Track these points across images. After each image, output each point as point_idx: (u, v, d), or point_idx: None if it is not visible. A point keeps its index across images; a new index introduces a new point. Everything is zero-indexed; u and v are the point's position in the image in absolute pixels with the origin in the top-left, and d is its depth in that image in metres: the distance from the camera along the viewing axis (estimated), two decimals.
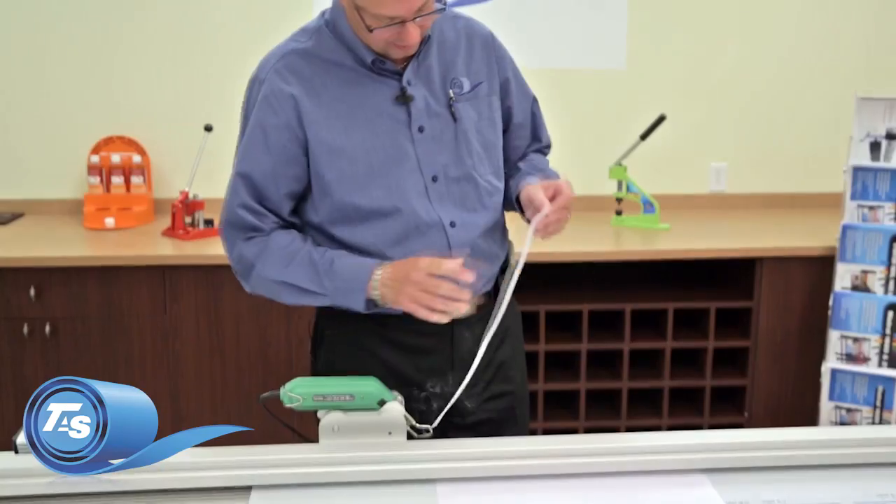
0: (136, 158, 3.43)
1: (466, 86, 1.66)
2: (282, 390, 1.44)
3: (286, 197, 1.62)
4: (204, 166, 3.23)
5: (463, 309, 1.52)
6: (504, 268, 1.76)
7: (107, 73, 3.46)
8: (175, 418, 2.97)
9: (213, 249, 3.02)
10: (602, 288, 3.18)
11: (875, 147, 2.92)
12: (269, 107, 1.58)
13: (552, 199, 1.59)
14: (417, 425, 1.48)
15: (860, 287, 2.92)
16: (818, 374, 2.99)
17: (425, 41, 1.61)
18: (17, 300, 2.91)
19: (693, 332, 3.15)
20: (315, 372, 1.76)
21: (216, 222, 3.19)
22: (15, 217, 3.42)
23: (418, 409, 1.64)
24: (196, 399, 3.00)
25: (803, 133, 3.67)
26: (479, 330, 1.70)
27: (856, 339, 2.92)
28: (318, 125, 1.58)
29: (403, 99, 1.61)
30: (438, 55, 1.65)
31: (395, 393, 1.48)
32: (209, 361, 3.00)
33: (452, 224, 1.63)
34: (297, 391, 1.44)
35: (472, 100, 1.67)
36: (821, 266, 3.04)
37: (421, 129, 1.61)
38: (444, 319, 1.51)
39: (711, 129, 3.66)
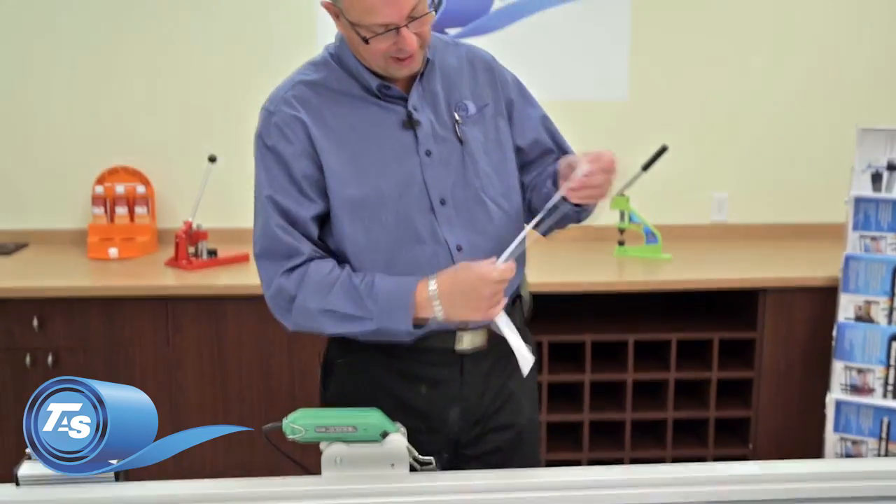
0: (140, 189, 3.45)
1: (472, 109, 1.68)
2: (284, 422, 1.44)
3: (313, 220, 1.62)
4: (208, 197, 3.24)
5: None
6: (514, 299, 1.74)
7: (111, 105, 3.49)
8: None
9: (217, 280, 3.03)
10: (605, 319, 3.17)
11: (876, 178, 2.93)
12: (282, 136, 1.60)
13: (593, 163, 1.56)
14: (420, 457, 1.47)
15: (864, 318, 2.91)
16: (823, 405, 2.98)
17: (428, 63, 1.63)
18: (20, 330, 2.91)
19: (696, 363, 3.14)
20: (324, 402, 1.75)
21: (219, 252, 3.21)
22: (19, 247, 3.43)
23: (426, 441, 1.63)
24: None
25: (804, 163, 3.69)
26: (489, 361, 1.70)
27: (860, 370, 2.91)
28: (326, 153, 1.60)
29: (410, 124, 1.62)
30: (442, 81, 1.67)
31: (398, 424, 1.47)
32: (211, 392, 2.99)
33: (459, 248, 1.63)
34: (300, 423, 1.43)
35: (478, 122, 1.68)
36: (824, 297, 3.04)
37: (428, 153, 1.62)
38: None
39: (713, 159, 3.68)
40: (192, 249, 3.18)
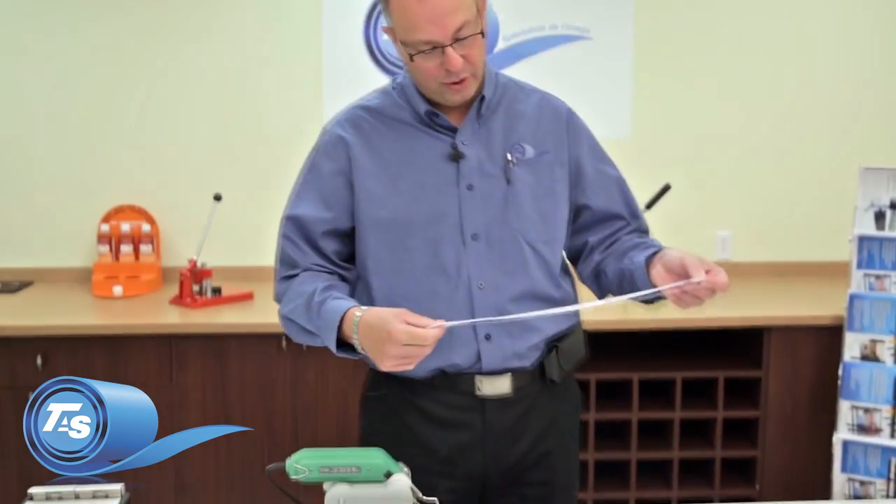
0: (146, 227, 3.46)
1: (530, 153, 1.66)
2: (287, 462, 1.43)
3: (327, 235, 1.65)
4: (212, 235, 3.25)
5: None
6: (552, 346, 1.68)
7: (117, 143, 3.52)
8: (179, 488, 2.94)
9: (221, 318, 3.03)
10: (609, 358, 3.16)
11: (880, 216, 2.94)
12: (326, 154, 1.66)
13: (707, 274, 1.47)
14: (424, 498, 1.46)
15: (869, 357, 2.90)
16: (830, 445, 2.95)
17: (483, 100, 1.63)
18: (24, 369, 2.90)
19: (701, 402, 3.12)
20: (360, 437, 1.74)
21: (224, 291, 3.22)
22: (24, 285, 3.43)
23: (449, 485, 1.60)
24: (201, 469, 2.96)
25: (808, 202, 3.69)
26: (517, 410, 1.65)
27: (867, 410, 2.89)
28: (365, 174, 1.63)
29: (455, 156, 1.63)
30: (505, 122, 1.67)
31: (402, 465, 1.46)
32: None
33: (480, 286, 1.62)
34: (303, 463, 1.42)
35: (532, 167, 1.66)
36: (829, 335, 3.03)
37: (470, 187, 1.63)
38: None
39: (716, 197, 3.69)
40: (196, 287, 3.18)
